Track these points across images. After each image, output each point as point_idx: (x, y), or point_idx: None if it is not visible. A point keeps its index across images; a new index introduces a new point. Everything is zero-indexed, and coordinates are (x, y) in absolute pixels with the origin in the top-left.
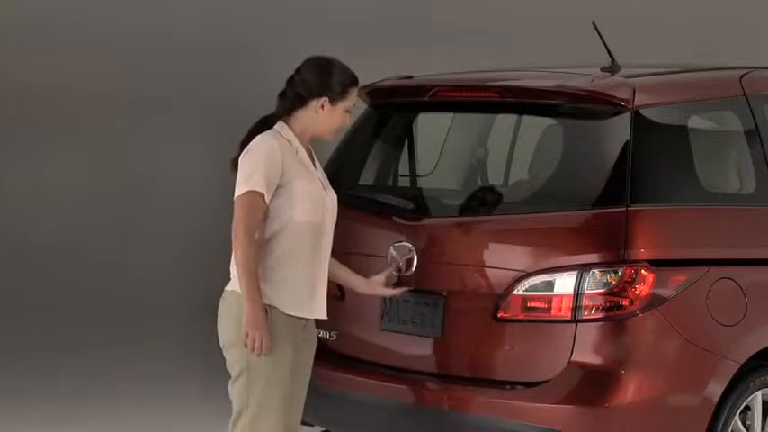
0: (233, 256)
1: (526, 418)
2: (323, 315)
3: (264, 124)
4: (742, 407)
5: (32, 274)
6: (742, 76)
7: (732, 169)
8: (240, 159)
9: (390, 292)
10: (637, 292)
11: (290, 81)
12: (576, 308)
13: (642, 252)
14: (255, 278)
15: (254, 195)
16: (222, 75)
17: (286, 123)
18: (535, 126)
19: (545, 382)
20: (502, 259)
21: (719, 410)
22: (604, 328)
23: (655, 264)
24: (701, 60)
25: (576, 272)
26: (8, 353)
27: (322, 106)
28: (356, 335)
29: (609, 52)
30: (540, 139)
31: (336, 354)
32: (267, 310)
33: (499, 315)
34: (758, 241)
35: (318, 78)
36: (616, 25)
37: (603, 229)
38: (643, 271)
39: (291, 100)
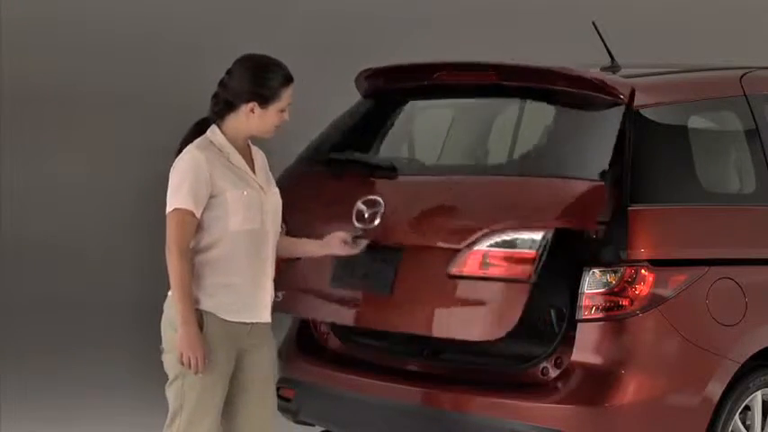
0: None
1: (526, 418)
2: (266, 319)
3: (200, 128)
4: (742, 407)
5: (32, 273)
6: (742, 76)
7: (732, 169)
8: (170, 175)
9: (346, 250)
10: (637, 292)
11: (221, 83)
12: (535, 269)
13: (642, 252)
14: (190, 298)
15: (182, 212)
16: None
17: (219, 127)
18: (536, 126)
19: (490, 342)
20: (467, 216)
21: (719, 410)
22: (604, 327)
23: (655, 264)
24: (700, 60)
25: (542, 232)
26: (8, 352)
27: (252, 110)
28: (305, 292)
29: (609, 52)
30: (539, 139)
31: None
32: (203, 316)
33: (455, 271)
34: (758, 241)
35: (246, 83)
36: (616, 25)
37: (577, 197)
38: (643, 271)
39: (221, 105)
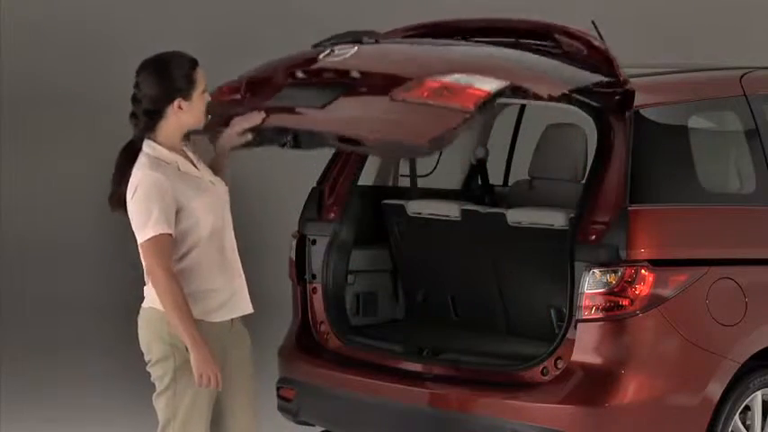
0: (147, 280)
1: (527, 418)
2: (249, 309)
3: (131, 151)
4: (742, 407)
5: (32, 274)
6: (742, 76)
7: (732, 169)
8: (129, 203)
9: (238, 138)
10: (637, 292)
11: (135, 99)
12: (482, 103)
13: (642, 252)
14: (191, 318)
15: (160, 238)
16: (225, 75)
17: (153, 140)
18: (536, 126)
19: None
20: (436, 62)
21: (719, 410)
22: (604, 328)
23: (655, 264)
24: (702, 60)
25: (502, 82)
26: (8, 353)
27: (179, 107)
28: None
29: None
30: (540, 138)
31: None
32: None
33: (401, 95)
34: (758, 241)
35: (160, 86)
36: (616, 25)
37: (541, 75)
38: (643, 271)
39: (145, 119)
